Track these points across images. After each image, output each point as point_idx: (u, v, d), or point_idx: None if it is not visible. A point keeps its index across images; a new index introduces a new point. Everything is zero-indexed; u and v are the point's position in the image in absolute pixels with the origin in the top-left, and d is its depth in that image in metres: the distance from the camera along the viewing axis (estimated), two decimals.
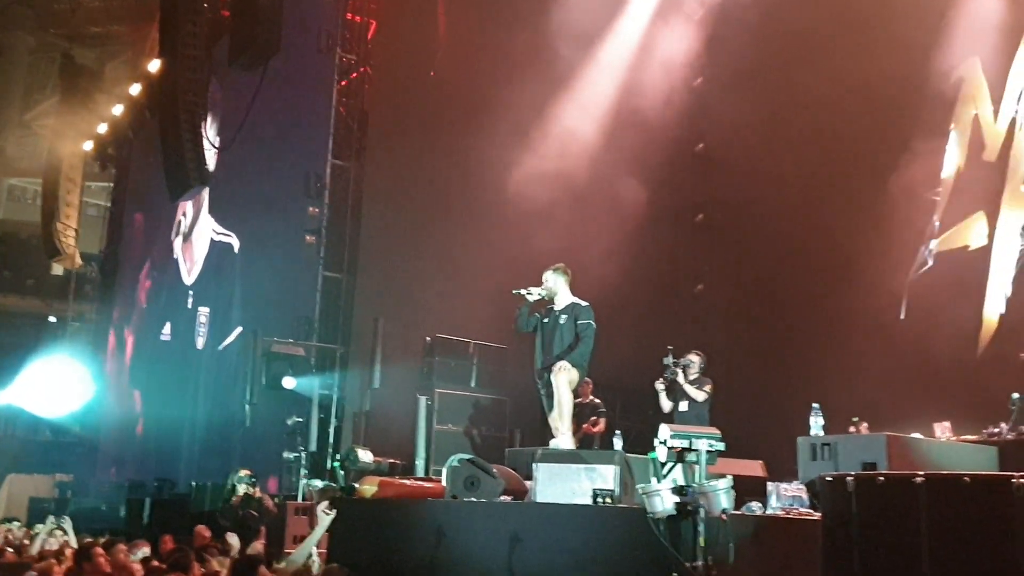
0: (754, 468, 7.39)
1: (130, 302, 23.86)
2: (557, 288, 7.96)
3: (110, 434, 22.50)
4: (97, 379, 23.32)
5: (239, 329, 17.31)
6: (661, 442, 5.50)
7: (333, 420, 14.24)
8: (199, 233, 20.61)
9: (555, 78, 13.24)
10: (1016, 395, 7.66)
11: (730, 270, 12.65)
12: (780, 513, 5.67)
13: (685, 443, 5.41)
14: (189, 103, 14.49)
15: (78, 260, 25.27)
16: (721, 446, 5.46)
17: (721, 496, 4.88)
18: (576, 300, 7.95)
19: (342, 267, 14.88)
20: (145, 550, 8.64)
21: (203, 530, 10.29)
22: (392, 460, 11.25)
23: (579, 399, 9.38)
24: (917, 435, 7.27)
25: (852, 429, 8.07)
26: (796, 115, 11.42)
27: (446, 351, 11.85)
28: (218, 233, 19.54)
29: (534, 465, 6.66)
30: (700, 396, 9.21)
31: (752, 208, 12.12)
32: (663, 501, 5.01)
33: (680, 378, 9.25)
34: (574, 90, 13.43)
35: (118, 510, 16.64)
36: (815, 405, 6.81)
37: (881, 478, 4.58)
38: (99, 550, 7.48)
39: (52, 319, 28.37)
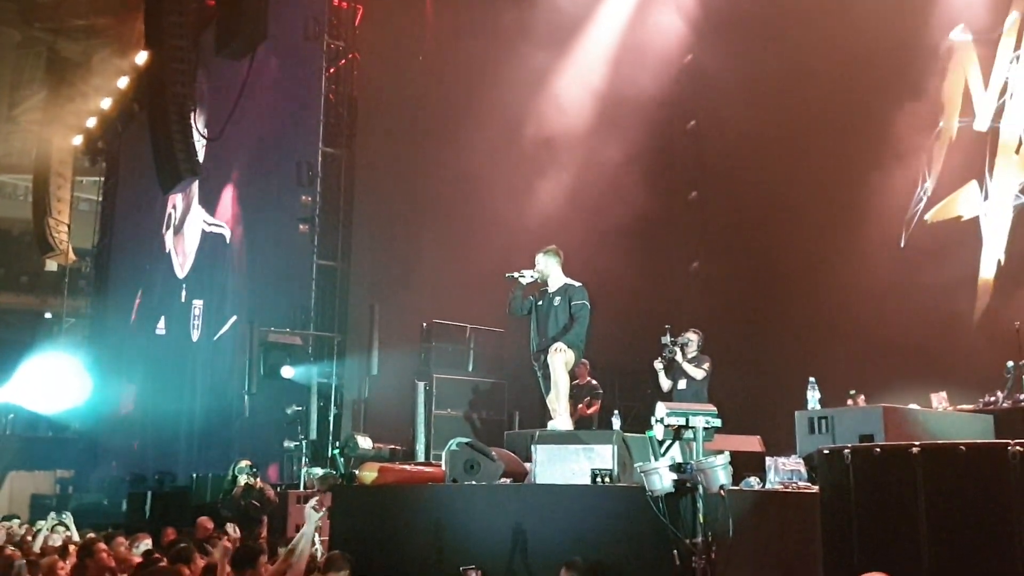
0: (752, 444, 7.40)
1: (125, 297, 23.83)
2: (549, 270, 7.94)
3: (109, 429, 22.51)
4: (94, 374, 23.31)
5: (234, 318, 17.31)
6: (658, 420, 5.50)
7: (333, 408, 14.24)
8: (190, 225, 20.57)
9: (545, 59, 13.18)
10: (1011, 363, 7.68)
11: (726, 247, 12.65)
12: (779, 487, 5.70)
13: (682, 421, 5.41)
14: (177, 94, 14.41)
15: (71, 255, 25.19)
16: (718, 423, 5.46)
17: (719, 472, 4.89)
18: (569, 281, 7.94)
19: (336, 255, 14.84)
20: (147, 543, 8.68)
21: (205, 521, 10.33)
22: (393, 446, 11.27)
23: (576, 381, 9.38)
24: (914, 406, 7.28)
25: (850, 402, 8.08)
26: (787, 89, 11.40)
27: (443, 336, 11.86)
28: (209, 224, 19.50)
29: (532, 447, 6.67)
30: (699, 374, 9.23)
31: (746, 183, 12.11)
32: (661, 479, 5.01)
33: (678, 357, 9.26)
34: (564, 71, 13.38)
35: (120, 504, 16.68)
36: (812, 379, 6.82)
37: (878, 449, 4.61)
38: (101, 545, 7.51)
39: (47, 315, 28.33)
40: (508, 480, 6.90)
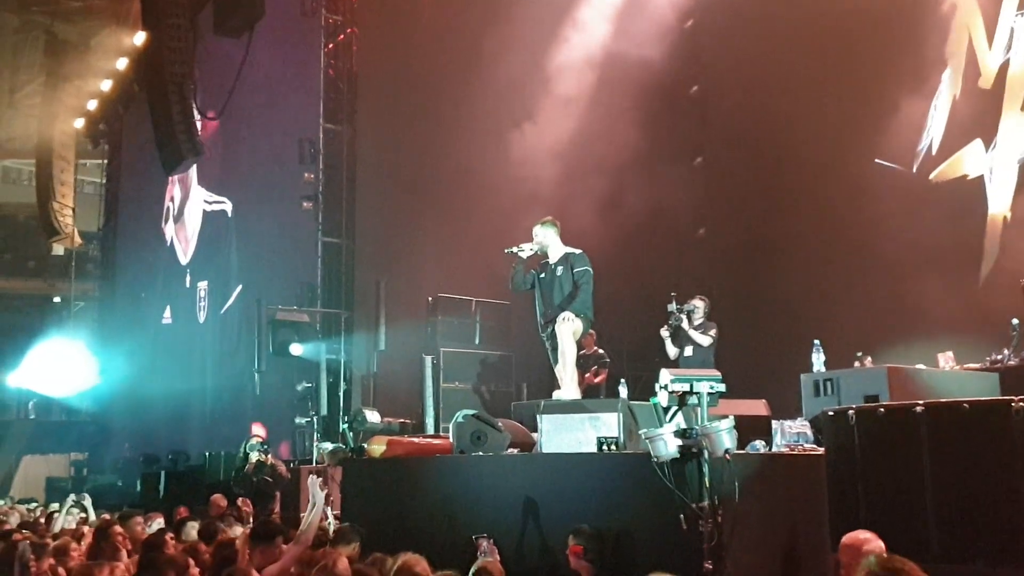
0: (758, 407, 7.42)
1: (133, 278, 23.92)
2: (548, 241, 7.91)
3: (122, 410, 22.67)
4: (104, 357, 23.45)
5: (239, 288, 17.39)
6: (662, 387, 5.51)
7: (342, 384, 14.32)
8: (190, 210, 20.62)
9: (546, 27, 13.06)
10: (1016, 321, 7.65)
11: (731, 212, 12.59)
12: (784, 450, 5.71)
13: (686, 387, 5.41)
14: (176, 74, 14.34)
15: (77, 239, 25.25)
16: (722, 388, 5.46)
17: (723, 436, 4.90)
18: (570, 249, 7.92)
19: (341, 232, 14.85)
20: (160, 521, 8.75)
21: (219, 499, 10.42)
22: (402, 420, 11.33)
23: (582, 350, 9.40)
24: (921, 366, 7.28)
25: (857, 364, 8.07)
26: (789, 51, 11.29)
27: (449, 310, 11.87)
28: (210, 202, 19.51)
29: (538, 417, 6.69)
30: (705, 341, 9.24)
31: (750, 148, 12.03)
32: (666, 445, 5.03)
33: (685, 324, 9.26)
34: (566, 39, 13.26)
35: (134, 485, 16.83)
36: (816, 341, 6.82)
37: (882, 409, 4.62)
38: (117, 527, 7.56)
39: (56, 299, 28.45)
40: (515, 450, 6.93)
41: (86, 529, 8.41)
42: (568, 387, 7.63)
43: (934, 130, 10.24)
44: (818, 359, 6.73)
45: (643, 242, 12.58)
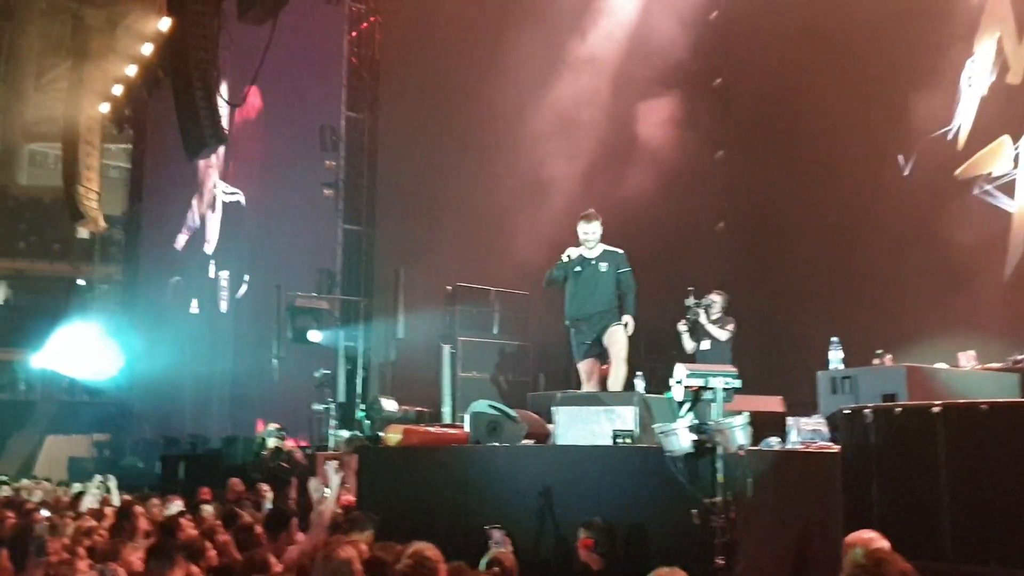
0: (773, 404, 7.38)
1: (157, 263, 24.12)
2: (598, 237, 8.02)
3: (143, 393, 22.92)
4: (128, 340, 23.68)
5: (247, 278, 17.54)
6: (677, 382, 5.50)
7: (360, 371, 14.39)
8: (216, 199, 20.84)
9: (567, 16, 13.00)
10: None
11: (751, 207, 12.49)
12: (799, 447, 5.68)
13: (701, 382, 5.40)
14: (201, 61, 14.40)
15: (102, 223, 25.47)
16: (737, 383, 5.45)
17: (737, 432, 4.89)
18: (609, 247, 8.00)
19: (361, 219, 14.92)
20: (179, 504, 8.86)
21: (236, 483, 10.51)
22: (419, 408, 11.37)
23: None
24: (942, 365, 7.20)
25: (876, 361, 8.00)
26: (814, 45, 11.17)
27: (468, 299, 11.88)
28: (227, 194, 19.69)
29: (554, 409, 6.70)
30: (723, 335, 9.20)
31: (772, 143, 11.93)
32: (680, 440, 5.03)
33: (702, 318, 9.22)
34: (587, 28, 13.19)
35: (154, 467, 17.01)
36: (834, 339, 6.75)
37: (899, 408, 4.58)
38: (139, 508, 7.66)
39: (80, 282, 28.73)
40: (531, 441, 6.94)
41: (108, 510, 8.52)
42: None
43: (961, 125, 10.11)
44: (836, 356, 6.67)
45: (661, 235, 12.49)
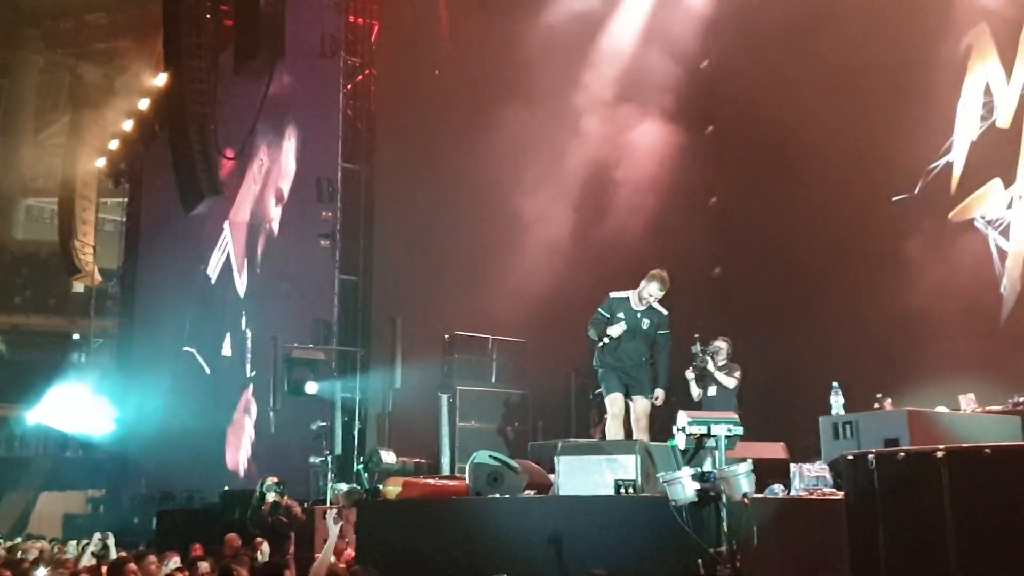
0: (776, 450, 7.33)
1: (152, 316, 24.04)
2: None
3: (139, 448, 22.69)
4: (122, 394, 23.53)
5: (228, 335, 17.50)
6: (679, 429, 5.47)
7: (357, 423, 14.29)
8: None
9: (561, 67, 13.16)
10: None
11: (747, 251, 12.54)
12: (803, 494, 5.64)
13: (703, 429, 5.38)
14: (197, 114, 14.59)
15: (97, 277, 25.53)
16: (740, 431, 5.43)
17: (742, 480, 4.85)
18: (658, 307, 8.02)
19: (358, 270, 14.94)
20: (176, 561, 8.72)
21: (233, 539, 10.36)
22: (417, 460, 11.28)
23: None
24: (942, 408, 7.18)
25: (876, 406, 7.98)
26: (805, 90, 11.30)
27: (465, 348, 11.86)
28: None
29: (555, 458, 6.65)
30: (731, 383, 9.13)
31: (766, 187, 12.00)
32: (684, 488, 4.99)
33: (710, 365, 9.18)
34: (579, 79, 13.34)
35: (150, 522, 16.79)
36: (834, 384, 6.74)
37: (902, 454, 4.55)
38: (132, 565, 7.55)
39: (76, 336, 28.67)
40: (532, 492, 6.88)
41: (104, 568, 8.40)
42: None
43: (953, 167, 10.22)
44: (837, 401, 6.65)
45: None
